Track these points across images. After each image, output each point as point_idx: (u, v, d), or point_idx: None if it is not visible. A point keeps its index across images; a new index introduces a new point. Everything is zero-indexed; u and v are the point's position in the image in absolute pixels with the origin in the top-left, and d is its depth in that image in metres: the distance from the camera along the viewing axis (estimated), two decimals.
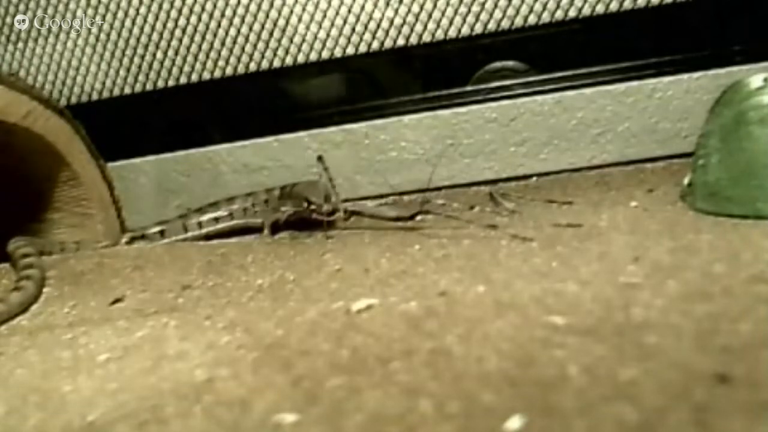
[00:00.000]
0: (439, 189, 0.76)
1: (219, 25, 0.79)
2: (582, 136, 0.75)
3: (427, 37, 0.77)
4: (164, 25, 0.80)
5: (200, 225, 0.65)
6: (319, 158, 0.63)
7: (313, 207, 0.56)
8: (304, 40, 0.78)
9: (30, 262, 0.51)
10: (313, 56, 0.79)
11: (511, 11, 0.75)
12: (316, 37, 0.78)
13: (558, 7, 0.74)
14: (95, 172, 0.68)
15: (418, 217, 0.55)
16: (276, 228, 0.61)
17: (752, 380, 0.22)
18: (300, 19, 0.78)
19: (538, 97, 0.76)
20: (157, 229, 0.66)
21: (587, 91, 0.75)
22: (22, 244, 0.55)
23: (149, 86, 0.82)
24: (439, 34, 0.77)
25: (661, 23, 0.74)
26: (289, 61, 0.79)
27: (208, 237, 0.65)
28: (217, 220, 0.65)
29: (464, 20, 0.76)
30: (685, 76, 0.73)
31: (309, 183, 0.62)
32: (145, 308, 0.42)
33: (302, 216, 0.59)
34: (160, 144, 0.82)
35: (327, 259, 0.48)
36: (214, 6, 0.79)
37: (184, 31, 0.80)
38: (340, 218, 0.58)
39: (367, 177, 0.78)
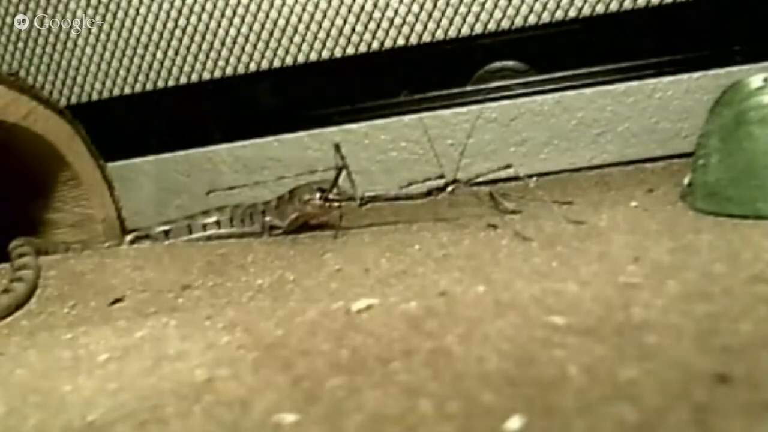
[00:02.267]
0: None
1: (219, 25, 0.79)
2: (582, 136, 0.75)
3: (427, 37, 0.77)
4: (164, 25, 0.80)
5: (204, 227, 0.65)
6: (337, 147, 0.61)
7: (327, 195, 0.55)
8: (304, 40, 0.78)
9: (24, 263, 0.51)
10: (313, 56, 0.79)
11: (511, 11, 0.75)
12: (316, 37, 0.78)
13: (558, 7, 0.74)
14: (95, 172, 0.68)
15: (440, 196, 0.53)
16: (273, 231, 0.61)
17: (752, 380, 0.22)
18: (300, 19, 0.78)
19: (538, 97, 0.76)
20: (162, 228, 0.66)
21: (587, 91, 0.75)
22: (20, 244, 0.55)
23: (149, 86, 0.82)
24: (439, 34, 0.77)
25: (661, 23, 0.74)
26: (289, 61, 0.79)
27: (209, 239, 0.65)
28: (219, 224, 0.65)
29: (464, 20, 0.76)
30: (685, 76, 0.73)
31: (309, 183, 0.62)
32: (145, 308, 0.42)
33: (306, 220, 0.59)
34: (160, 144, 0.82)
35: (327, 259, 0.48)
36: (214, 6, 0.79)
37: (184, 31, 0.80)
38: (357, 206, 0.56)
39: (367, 177, 0.78)
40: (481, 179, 0.57)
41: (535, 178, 0.76)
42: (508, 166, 0.57)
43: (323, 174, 0.59)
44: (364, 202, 0.56)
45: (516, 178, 0.76)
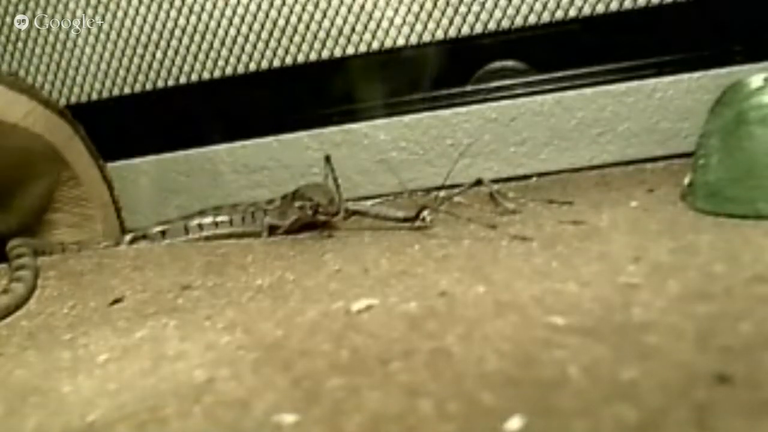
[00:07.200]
0: (439, 189, 0.76)
1: (219, 25, 0.79)
2: (582, 136, 0.75)
3: (427, 37, 0.77)
4: (164, 25, 0.80)
5: (201, 227, 0.65)
6: (327, 159, 0.63)
7: (319, 208, 0.56)
8: (303, 40, 0.78)
9: (23, 263, 0.50)
10: (313, 56, 0.79)
11: (511, 11, 0.75)
12: (316, 37, 0.78)
13: (558, 7, 0.74)
14: (95, 172, 0.68)
15: (428, 217, 0.54)
16: (273, 231, 0.61)
17: (752, 380, 0.22)
18: (300, 19, 0.78)
19: (538, 97, 0.76)
20: (158, 229, 0.66)
21: (587, 91, 0.75)
22: (18, 244, 0.55)
23: (149, 86, 0.82)
24: (439, 34, 0.77)
25: (661, 23, 0.74)
26: (288, 61, 0.79)
27: (207, 239, 0.65)
28: (217, 224, 0.65)
29: (464, 20, 0.76)
30: (685, 76, 0.73)
31: (312, 185, 0.63)
32: (144, 308, 0.42)
33: (305, 222, 0.60)
34: (160, 144, 0.82)
35: (327, 259, 0.48)
36: (214, 6, 0.79)
37: (184, 31, 0.80)
38: (341, 218, 0.58)
39: (366, 177, 0.78)
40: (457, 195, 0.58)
41: (534, 178, 0.76)
42: (479, 181, 0.60)
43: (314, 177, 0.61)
44: (349, 215, 0.59)
45: (516, 178, 0.76)
